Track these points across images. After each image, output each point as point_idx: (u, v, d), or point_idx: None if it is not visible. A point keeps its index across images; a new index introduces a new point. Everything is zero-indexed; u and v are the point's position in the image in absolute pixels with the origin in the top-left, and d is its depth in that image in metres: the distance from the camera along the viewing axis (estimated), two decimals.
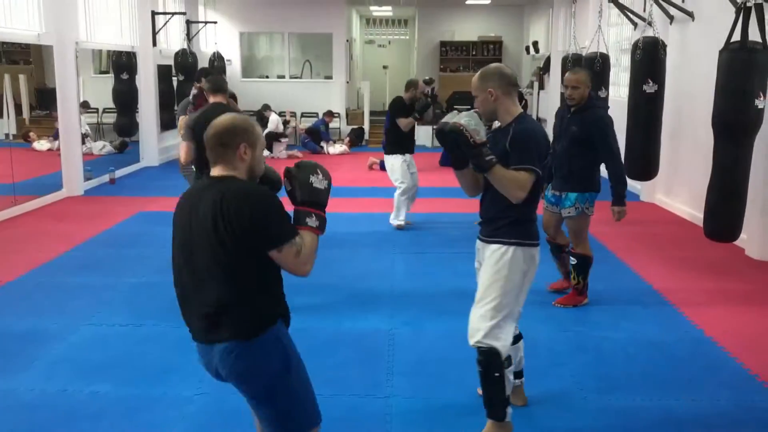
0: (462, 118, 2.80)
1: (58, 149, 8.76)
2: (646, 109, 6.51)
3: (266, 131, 12.88)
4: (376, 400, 3.54)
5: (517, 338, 3.28)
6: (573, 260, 4.79)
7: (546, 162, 2.95)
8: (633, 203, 8.55)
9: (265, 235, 2.18)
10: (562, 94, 9.17)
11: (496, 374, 2.95)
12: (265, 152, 11.39)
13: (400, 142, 7.07)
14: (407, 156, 7.10)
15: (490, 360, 2.95)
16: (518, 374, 3.38)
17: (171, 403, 3.49)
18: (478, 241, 3.13)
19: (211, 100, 4.89)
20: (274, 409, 2.31)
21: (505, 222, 2.95)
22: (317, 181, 2.31)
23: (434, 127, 10.63)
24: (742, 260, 6.12)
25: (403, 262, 6.00)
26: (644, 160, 6.61)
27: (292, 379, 2.31)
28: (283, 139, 12.89)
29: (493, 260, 2.97)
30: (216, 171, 2.29)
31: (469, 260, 5.88)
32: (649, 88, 6.29)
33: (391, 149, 7.12)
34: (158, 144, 11.27)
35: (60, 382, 3.71)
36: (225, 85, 5.01)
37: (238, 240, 2.16)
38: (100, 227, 6.99)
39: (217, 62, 13.31)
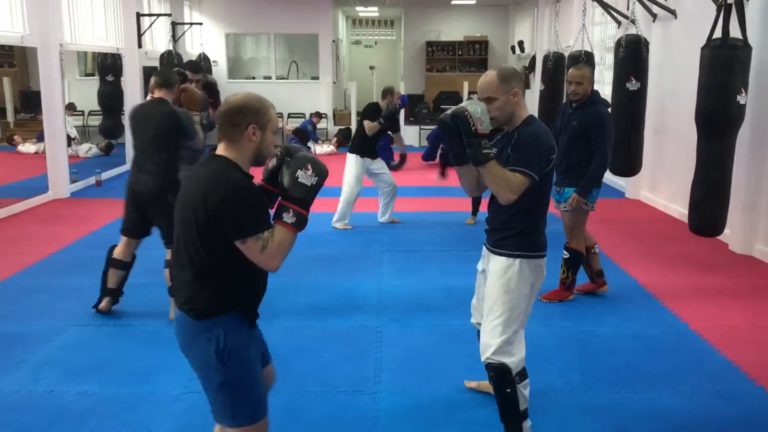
0: (468, 105, 2.71)
1: (44, 152, 8.72)
2: (629, 106, 6.56)
3: None
4: (364, 396, 3.55)
5: None
6: (565, 254, 4.81)
7: (549, 168, 2.85)
8: (618, 200, 8.66)
9: (227, 226, 2.19)
10: (541, 92, 9.24)
11: (508, 390, 2.90)
12: None
13: (363, 144, 7.05)
14: (368, 160, 7.04)
15: (501, 376, 2.90)
16: None
17: (158, 403, 3.50)
18: (484, 248, 3.09)
19: (156, 94, 4.66)
20: (210, 391, 2.34)
21: (511, 233, 2.89)
22: (304, 176, 2.24)
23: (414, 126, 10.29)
24: (726, 255, 6.19)
25: (390, 261, 6.02)
26: (628, 156, 6.66)
27: (228, 372, 2.27)
28: None
29: (498, 273, 2.91)
30: (218, 149, 2.31)
31: (456, 258, 5.99)
32: (632, 85, 6.34)
33: (352, 148, 7.14)
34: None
35: (47, 382, 3.70)
36: (172, 81, 4.73)
37: (204, 225, 2.20)
38: (86, 229, 6.97)
39: (203, 63, 13.28)
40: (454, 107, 2.75)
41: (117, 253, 4.67)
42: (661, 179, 8.25)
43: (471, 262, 5.84)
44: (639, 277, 5.48)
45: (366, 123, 6.97)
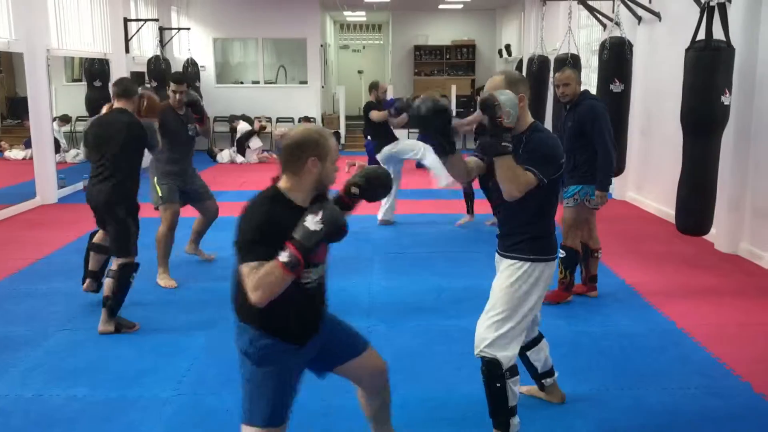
0: (501, 95, 2.68)
1: (32, 158, 8.69)
2: (613, 108, 6.59)
3: (237, 138, 12.95)
4: (354, 397, 3.55)
5: (537, 339, 3.28)
6: (561, 253, 4.78)
7: (559, 175, 2.86)
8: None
9: (237, 249, 2.31)
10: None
11: (498, 385, 2.91)
12: (239, 158, 11.34)
13: (389, 134, 7.35)
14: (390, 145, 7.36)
15: (491, 370, 2.91)
16: (548, 373, 3.38)
17: (148, 405, 3.49)
18: (496, 255, 3.08)
19: (116, 105, 4.56)
20: (243, 387, 2.47)
21: (524, 237, 2.90)
22: (310, 221, 2.23)
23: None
24: (712, 254, 6.25)
25: (381, 262, 6.04)
26: None
27: (251, 371, 2.42)
28: (253, 146, 12.89)
29: (507, 273, 2.92)
30: (281, 179, 2.40)
31: (446, 260, 6.02)
32: (616, 87, 6.39)
33: (386, 141, 7.33)
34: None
35: (35, 387, 3.69)
36: (132, 91, 4.63)
37: (237, 245, 2.34)
38: (74, 234, 6.94)
39: (191, 68, 13.27)
40: (488, 93, 2.71)
41: (96, 238, 4.91)
42: (648, 180, 8.32)
43: (461, 263, 5.96)
44: (627, 277, 5.53)
45: (373, 113, 7.28)
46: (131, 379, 3.78)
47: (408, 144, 7.55)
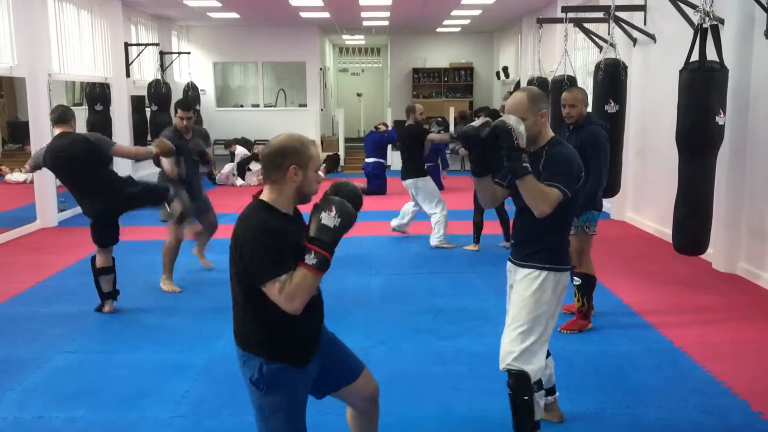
0: (511, 120, 2.78)
1: (32, 182, 8.74)
2: (609, 129, 6.65)
3: (236, 162, 13.01)
4: (342, 415, 3.55)
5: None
6: (577, 280, 4.75)
7: (578, 187, 2.92)
8: (604, 221, 8.69)
9: (249, 271, 2.27)
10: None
11: (525, 398, 2.92)
12: (238, 180, 11.42)
13: (422, 163, 7.38)
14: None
15: (519, 383, 2.91)
16: (550, 391, 3.40)
17: (147, 427, 3.50)
18: (509, 263, 3.12)
19: (57, 131, 5.04)
20: (256, 417, 2.45)
21: (541, 248, 2.94)
22: (327, 218, 2.26)
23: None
24: (709, 273, 6.26)
25: (380, 282, 6.06)
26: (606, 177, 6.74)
27: (263, 399, 2.39)
28: (254, 168, 12.96)
29: (525, 284, 2.95)
30: (263, 191, 2.39)
31: (444, 280, 6.02)
32: (611, 108, 6.43)
33: (421, 172, 7.32)
34: (133, 174, 11.23)
35: (35, 409, 3.70)
36: (68, 116, 5.08)
37: (236, 266, 2.31)
38: (74, 257, 6.97)
39: (191, 92, 13.37)
40: (499, 120, 2.81)
41: (99, 262, 5.15)
42: (645, 200, 8.36)
43: (459, 283, 5.98)
44: (624, 297, 5.54)
45: (432, 136, 7.42)
46: (131, 401, 3.78)
47: (430, 193, 7.30)
